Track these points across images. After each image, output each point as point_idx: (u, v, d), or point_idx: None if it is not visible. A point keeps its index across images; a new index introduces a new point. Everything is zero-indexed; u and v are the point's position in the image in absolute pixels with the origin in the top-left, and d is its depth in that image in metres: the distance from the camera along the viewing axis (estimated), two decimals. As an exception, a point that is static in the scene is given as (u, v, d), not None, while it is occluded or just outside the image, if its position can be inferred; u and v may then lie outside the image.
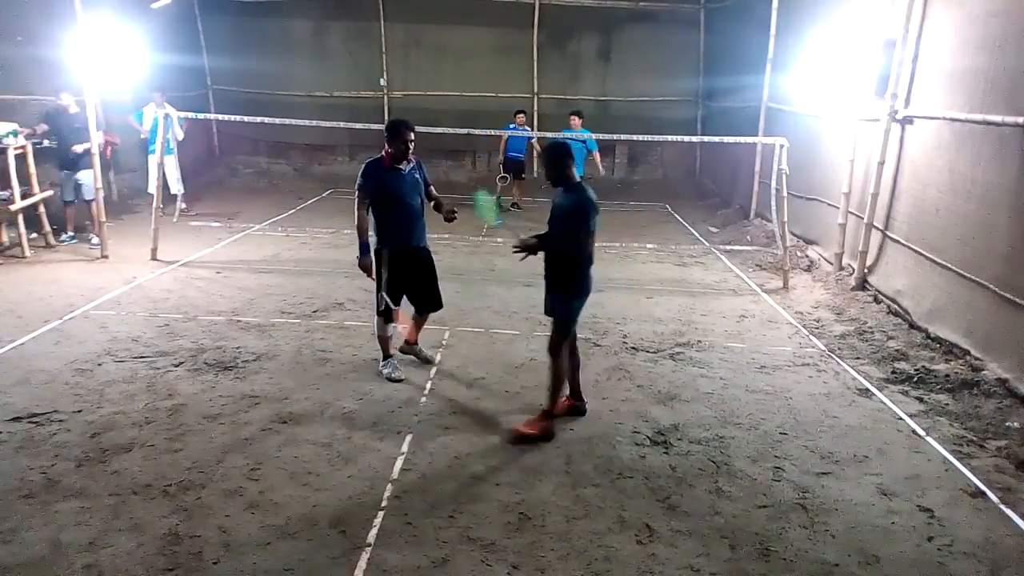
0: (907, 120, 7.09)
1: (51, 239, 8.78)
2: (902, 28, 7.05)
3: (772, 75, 10.82)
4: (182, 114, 10.23)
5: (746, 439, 4.62)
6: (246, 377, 5.28)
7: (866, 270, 7.65)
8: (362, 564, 3.33)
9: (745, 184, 11.75)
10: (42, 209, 8.65)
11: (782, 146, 7.96)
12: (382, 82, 14.62)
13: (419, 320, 5.56)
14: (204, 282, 7.60)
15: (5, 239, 8.35)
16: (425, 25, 14.52)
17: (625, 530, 3.65)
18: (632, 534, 3.62)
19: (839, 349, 6.21)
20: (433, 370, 5.52)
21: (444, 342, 6.12)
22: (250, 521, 3.61)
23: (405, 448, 4.37)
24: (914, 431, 4.79)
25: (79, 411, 4.65)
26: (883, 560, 3.48)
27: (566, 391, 4.86)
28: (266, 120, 9.13)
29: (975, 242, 5.85)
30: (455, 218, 5.35)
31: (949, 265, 6.15)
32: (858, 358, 6.02)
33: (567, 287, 4.55)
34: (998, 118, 5.59)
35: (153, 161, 9.95)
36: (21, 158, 8.32)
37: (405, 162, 5.15)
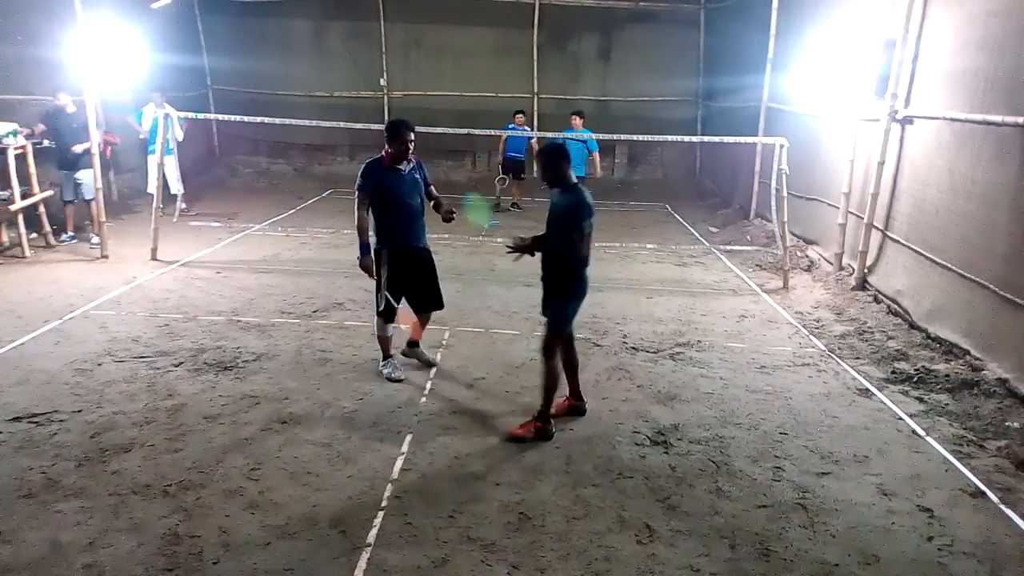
0: (907, 120, 7.09)
1: (51, 239, 8.78)
2: (902, 28, 7.05)
3: (772, 75, 10.82)
4: (182, 114, 10.23)
5: (746, 439, 4.62)
6: (246, 377, 5.28)
7: (866, 270, 7.65)
8: (362, 564, 3.33)
9: (745, 184, 11.75)
10: (42, 209, 8.65)
11: (782, 146, 7.96)
12: (382, 82, 14.62)
13: (422, 319, 5.53)
14: (204, 282, 7.60)
15: (5, 239, 8.35)
16: (425, 25, 14.51)
17: (625, 530, 3.65)
18: (632, 534, 3.62)
19: (839, 349, 6.21)
20: (433, 370, 5.52)
21: (444, 342, 6.12)
22: (250, 521, 3.61)
23: (405, 448, 4.37)
24: (914, 431, 4.79)
25: (79, 411, 4.65)
26: (883, 560, 3.48)
27: (565, 391, 4.86)
28: (266, 120, 9.13)
29: (975, 242, 5.85)
30: (454, 218, 5.35)
31: (949, 265, 6.15)
32: (858, 358, 6.03)
33: (561, 288, 4.54)
34: (998, 118, 5.59)
35: (153, 161, 9.96)
36: (21, 158, 8.32)
37: (405, 162, 5.14)
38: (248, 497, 3.81)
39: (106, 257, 8.33)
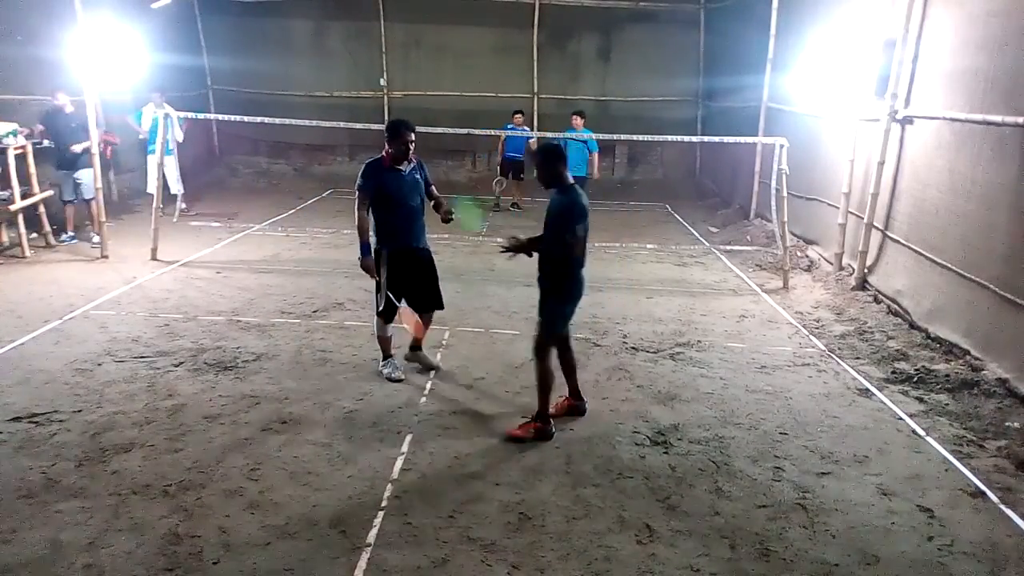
0: (907, 120, 7.09)
1: (51, 239, 8.78)
2: (902, 28, 7.05)
3: (772, 75, 10.83)
4: (181, 114, 10.23)
5: (746, 439, 4.62)
6: (246, 377, 5.28)
7: (866, 270, 7.65)
8: (362, 564, 3.33)
9: (745, 184, 11.75)
10: (42, 209, 8.66)
11: (782, 146, 7.96)
12: (382, 82, 14.62)
13: (424, 319, 5.46)
14: (204, 282, 7.60)
15: (5, 239, 8.35)
16: (425, 25, 14.52)
17: (625, 530, 3.65)
18: (632, 534, 3.62)
19: (839, 349, 6.21)
20: (433, 371, 5.52)
21: (444, 342, 6.12)
22: (250, 521, 3.61)
23: (405, 448, 4.37)
24: (914, 431, 4.79)
25: (79, 411, 4.65)
26: (883, 560, 3.48)
27: (565, 391, 4.86)
28: (266, 120, 9.13)
29: (975, 242, 5.85)
30: (453, 219, 5.34)
31: (949, 265, 6.15)
32: (858, 358, 6.02)
33: (554, 289, 4.52)
34: (998, 118, 5.59)
35: (152, 161, 9.96)
36: (21, 158, 8.32)
37: (406, 163, 5.12)
38: (248, 497, 3.81)
39: (106, 257, 8.33)
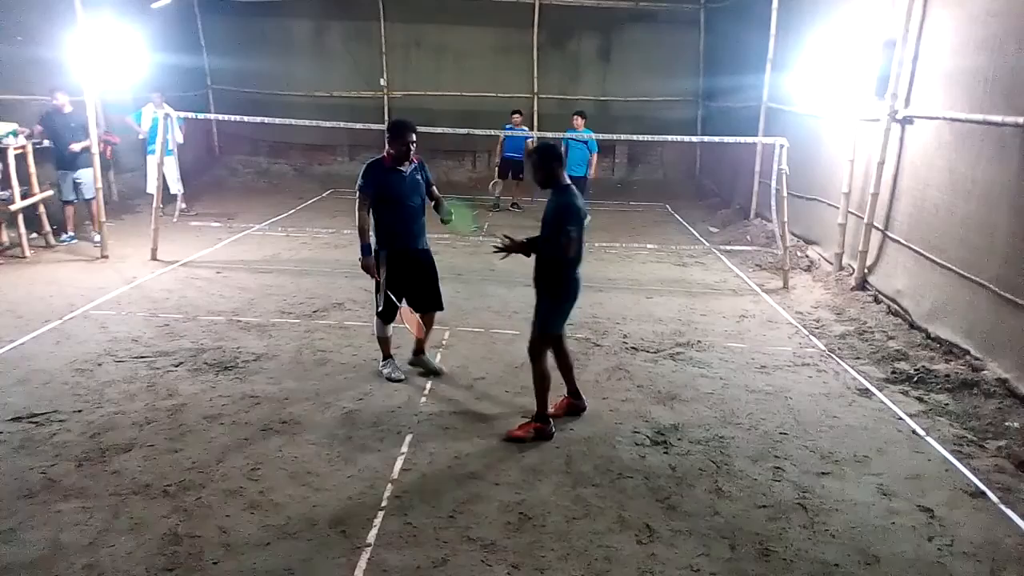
0: (907, 120, 7.09)
1: (51, 239, 8.78)
2: (902, 28, 7.05)
3: (772, 75, 10.83)
4: (181, 114, 10.23)
5: (746, 439, 4.62)
6: (246, 377, 5.28)
7: (866, 270, 7.65)
8: (362, 564, 3.33)
9: (745, 184, 11.75)
10: (42, 209, 8.66)
11: (782, 146, 7.96)
12: (382, 82, 14.63)
13: (426, 319, 5.42)
14: (204, 282, 7.60)
15: (5, 239, 8.35)
16: (425, 25, 14.53)
17: (625, 530, 3.65)
18: (632, 534, 3.62)
19: (839, 349, 6.21)
20: (437, 376, 5.46)
21: (444, 342, 6.12)
22: (250, 521, 3.61)
23: (405, 448, 4.37)
24: (914, 431, 4.79)
25: (79, 411, 4.65)
26: (883, 560, 3.48)
27: (563, 391, 4.85)
28: (266, 120, 9.14)
29: (975, 242, 5.85)
30: (452, 220, 5.34)
31: (949, 265, 6.15)
32: (858, 358, 6.03)
33: (550, 290, 4.50)
34: (998, 118, 5.59)
35: (152, 161, 9.97)
36: (21, 158, 8.33)
37: (407, 163, 5.10)
38: (248, 497, 3.81)
39: (106, 257, 8.34)
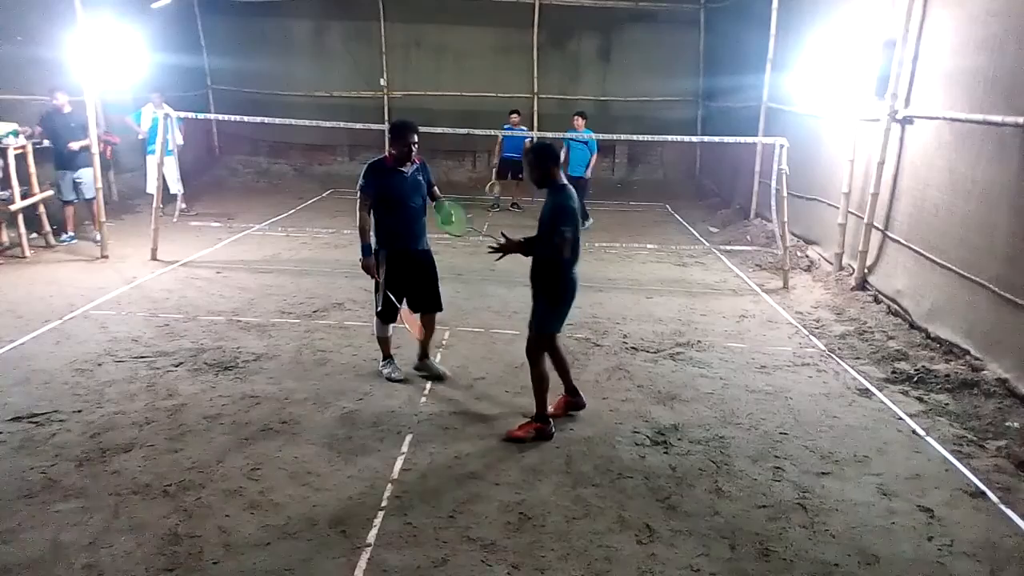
0: (907, 120, 7.09)
1: (51, 239, 8.78)
2: (902, 28, 7.05)
3: (772, 75, 10.83)
4: (180, 114, 10.22)
5: (746, 439, 4.62)
6: (246, 377, 5.28)
7: (866, 270, 7.65)
8: (362, 564, 3.33)
9: (745, 184, 11.75)
10: (42, 209, 8.66)
11: (782, 146, 7.96)
12: (382, 82, 14.63)
13: (426, 320, 5.38)
14: (204, 282, 7.60)
15: (5, 239, 8.35)
16: (425, 25, 14.53)
17: (625, 530, 3.65)
18: (632, 534, 3.62)
19: (839, 349, 6.21)
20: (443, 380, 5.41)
21: (444, 342, 6.12)
22: (250, 521, 3.61)
23: (405, 448, 4.37)
24: (914, 431, 4.79)
25: (79, 411, 4.65)
26: (883, 560, 3.48)
27: (561, 390, 4.85)
28: (266, 120, 9.14)
29: (975, 242, 5.85)
30: (448, 224, 5.33)
31: (949, 265, 6.15)
32: (858, 358, 6.02)
33: (546, 290, 4.49)
34: (998, 118, 5.59)
35: (152, 161, 9.97)
36: (21, 158, 8.33)
37: (408, 164, 5.09)
38: (248, 497, 3.81)
39: (106, 257, 8.34)
